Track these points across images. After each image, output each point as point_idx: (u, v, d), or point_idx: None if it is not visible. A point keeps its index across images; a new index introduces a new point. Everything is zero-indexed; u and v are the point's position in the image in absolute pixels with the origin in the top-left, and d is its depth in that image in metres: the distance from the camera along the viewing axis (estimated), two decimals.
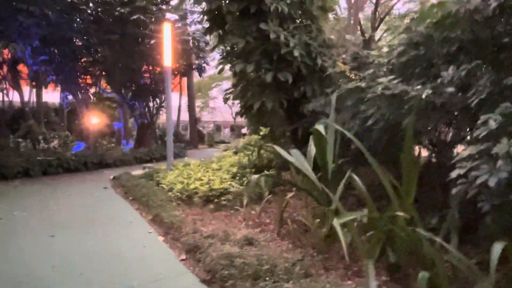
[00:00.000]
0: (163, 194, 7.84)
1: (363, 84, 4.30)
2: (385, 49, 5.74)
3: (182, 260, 4.70)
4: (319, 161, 4.73)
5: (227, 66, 8.13)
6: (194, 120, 29.53)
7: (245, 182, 7.64)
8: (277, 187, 6.80)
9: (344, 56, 6.56)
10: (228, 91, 6.65)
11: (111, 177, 11.80)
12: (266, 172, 7.76)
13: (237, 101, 8.88)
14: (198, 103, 38.07)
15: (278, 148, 4.86)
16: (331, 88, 5.82)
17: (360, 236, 3.68)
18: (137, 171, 12.25)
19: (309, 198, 5.22)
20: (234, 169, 8.76)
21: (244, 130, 38.35)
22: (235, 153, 13.59)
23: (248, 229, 5.31)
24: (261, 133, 9.07)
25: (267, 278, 3.58)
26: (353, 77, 4.87)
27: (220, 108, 43.95)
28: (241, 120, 38.49)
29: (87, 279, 4.13)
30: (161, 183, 8.94)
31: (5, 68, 23.32)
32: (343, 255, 4.07)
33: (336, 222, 3.09)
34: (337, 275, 3.77)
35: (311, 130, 4.82)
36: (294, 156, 4.95)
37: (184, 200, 7.46)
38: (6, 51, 20.82)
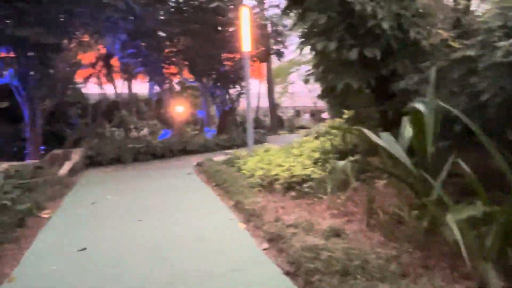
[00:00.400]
0: (243, 180, 7.75)
1: (472, 53, 3.63)
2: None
3: (264, 249, 4.49)
4: (416, 144, 4.17)
5: (307, 49, 7.71)
6: (273, 106, 29.47)
7: (328, 168, 7.22)
8: (363, 173, 6.29)
9: (441, 25, 5.75)
10: (308, 72, 6.23)
11: (195, 163, 12.10)
12: (350, 157, 7.25)
13: (317, 85, 8.44)
14: (277, 88, 37.87)
15: (366, 131, 4.37)
16: (426, 63, 5.13)
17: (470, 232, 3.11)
18: (219, 157, 12.41)
19: (403, 186, 4.67)
20: (316, 155, 8.36)
21: (324, 115, 37.43)
22: (316, 138, 13.14)
23: (334, 219, 4.93)
24: (344, 116, 8.52)
25: (358, 276, 3.19)
26: (457, 47, 4.18)
27: (300, 93, 43.35)
28: (321, 105, 37.67)
29: (171, 263, 4.11)
30: (241, 169, 8.89)
31: (100, 63, 25.26)
32: (446, 253, 3.54)
33: (450, 219, 2.59)
34: (440, 277, 3.25)
35: (405, 110, 4.25)
36: (384, 140, 4.43)
37: (265, 186, 7.27)
38: (101, 46, 22.49)
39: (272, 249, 4.46)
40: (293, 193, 6.35)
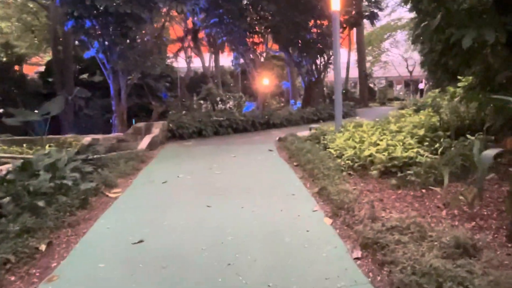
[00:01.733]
0: (330, 161, 6.62)
1: None
2: None
3: (357, 259, 3.41)
4: None
5: (401, 12, 6.17)
6: (364, 75, 27.16)
7: (440, 149, 5.76)
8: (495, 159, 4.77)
9: None
10: (424, 23, 4.69)
11: (277, 138, 11.21)
12: (469, 136, 5.69)
13: (414, 53, 6.82)
14: (368, 57, 35.02)
15: (503, 97, 2.98)
16: None
17: None
18: (304, 132, 11.35)
19: None
20: (421, 132, 6.88)
21: (421, 85, 33.90)
22: (416, 111, 11.33)
23: (455, 223, 3.62)
24: (460, 84, 6.84)
25: None
26: None
27: (393, 62, 39.76)
28: (416, 74, 34.15)
29: (236, 271, 3.24)
30: (328, 147, 7.74)
31: (189, 37, 25.36)
32: None
33: None
34: None
35: None
36: None
37: (356, 169, 6.08)
38: (189, 21, 22.39)
39: (368, 260, 3.37)
40: (393, 181, 5.06)
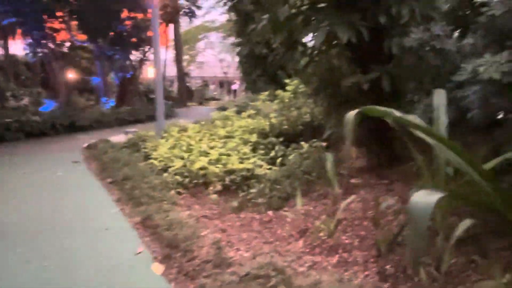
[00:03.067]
0: (154, 176, 5.41)
1: None
2: None
3: None
4: None
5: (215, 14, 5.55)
6: (182, 74, 26.48)
7: (277, 159, 5.25)
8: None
9: None
10: (264, 16, 3.97)
11: (85, 145, 9.28)
12: (304, 143, 5.34)
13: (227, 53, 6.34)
14: (185, 56, 34.68)
15: (383, 109, 2.50)
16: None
17: None
18: (119, 137, 9.75)
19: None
20: (253, 138, 6.35)
21: (234, 86, 35.56)
22: (238, 112, 11.11)
23: (316, 258, 2.96)
24: (289, 88, 6.60)
25: None
26: None
27: (208, 62, 40.61)
28: (232, 75, 35.60)
29: None
30: (150, 157, 6.51)
31: None
32: None
33: None
34: None
35: None
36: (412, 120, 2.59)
37: (187, 186, 5.06)
38: None
39: None
40: (234, 203, 4.23)
